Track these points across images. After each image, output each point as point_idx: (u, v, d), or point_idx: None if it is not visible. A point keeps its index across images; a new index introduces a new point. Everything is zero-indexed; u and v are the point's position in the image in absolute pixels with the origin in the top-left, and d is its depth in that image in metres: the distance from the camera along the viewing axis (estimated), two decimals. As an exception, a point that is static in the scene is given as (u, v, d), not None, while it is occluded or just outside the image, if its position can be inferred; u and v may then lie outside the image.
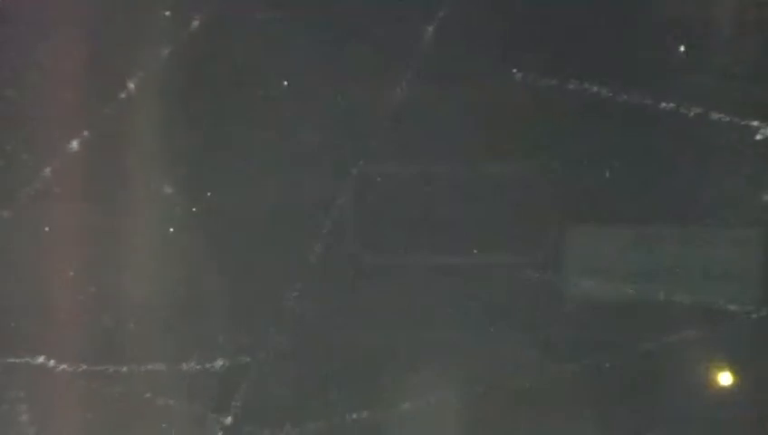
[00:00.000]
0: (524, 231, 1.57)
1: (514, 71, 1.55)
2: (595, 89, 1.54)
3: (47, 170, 1.55)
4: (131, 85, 1.56)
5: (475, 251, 1.58)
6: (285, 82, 1.57)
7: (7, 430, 1.57)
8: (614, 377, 1.58)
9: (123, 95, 1.56)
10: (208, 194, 1.59)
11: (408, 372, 1.59)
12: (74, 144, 1.55)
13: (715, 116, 1.54)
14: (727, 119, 1.54)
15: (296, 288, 1.59)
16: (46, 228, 1.57)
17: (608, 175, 1.55)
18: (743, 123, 1.54)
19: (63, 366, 1.55)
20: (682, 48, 1.53)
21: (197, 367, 1.60)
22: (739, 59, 1.55)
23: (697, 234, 1.56)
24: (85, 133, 1.55)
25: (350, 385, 1.60)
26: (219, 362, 1.60)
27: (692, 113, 1.54)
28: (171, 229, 1.59)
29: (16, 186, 1.55)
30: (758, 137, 1.54)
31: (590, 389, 1.59)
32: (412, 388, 1.59)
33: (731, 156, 1.55)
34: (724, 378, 1.57)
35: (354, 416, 1.59)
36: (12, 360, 1.56)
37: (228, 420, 1.60)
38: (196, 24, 1.57)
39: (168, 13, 1.57)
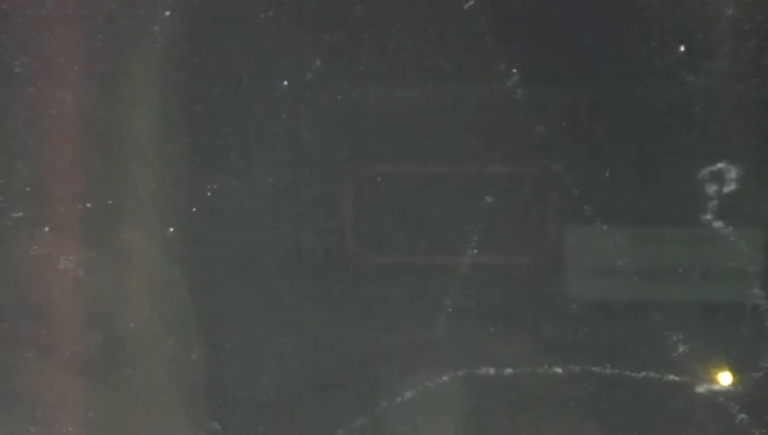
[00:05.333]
0: (524, 231, 1.57)
1: (514, 71, 1.55)
2: (594, 89, 1.54)
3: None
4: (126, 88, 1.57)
5: (475, 251, 1.58)
6: (285, 82, 1.57)
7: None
8: (614, 377, 1.58)
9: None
10: (208, 194, 1.59)
11: (407, 371, 1.59)
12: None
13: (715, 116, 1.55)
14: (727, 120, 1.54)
15: (296, 288, 1.59)
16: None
17: (608, 175, 1.55)
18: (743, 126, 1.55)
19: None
20: (682, 48, 1.53)
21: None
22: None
23: (697, 234, 1.56)
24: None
25: (349, 384, 1.60)
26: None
27: (692, 114, 1.54)
28: (171, 229, 1.59)
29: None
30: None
31: (591, 389, 1.59)
32: (411, 387, 1.59)
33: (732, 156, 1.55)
34: (725, 378, 1.58)
35: (353, 415, 1.59)
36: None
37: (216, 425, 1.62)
38: (195, 23, 1.58)
39: (168, 13, 1.57)
